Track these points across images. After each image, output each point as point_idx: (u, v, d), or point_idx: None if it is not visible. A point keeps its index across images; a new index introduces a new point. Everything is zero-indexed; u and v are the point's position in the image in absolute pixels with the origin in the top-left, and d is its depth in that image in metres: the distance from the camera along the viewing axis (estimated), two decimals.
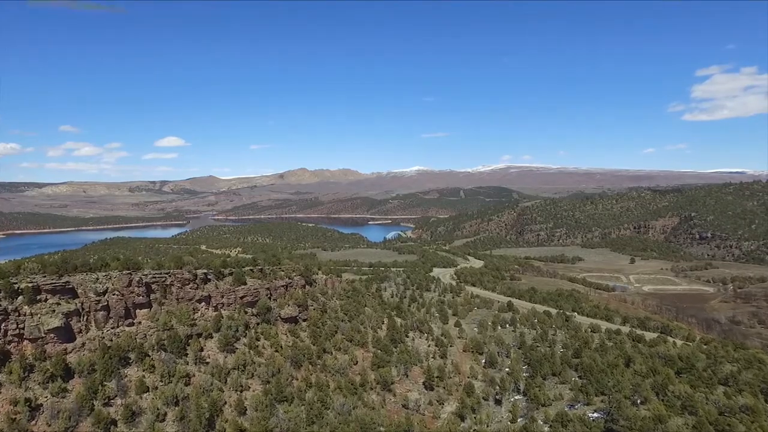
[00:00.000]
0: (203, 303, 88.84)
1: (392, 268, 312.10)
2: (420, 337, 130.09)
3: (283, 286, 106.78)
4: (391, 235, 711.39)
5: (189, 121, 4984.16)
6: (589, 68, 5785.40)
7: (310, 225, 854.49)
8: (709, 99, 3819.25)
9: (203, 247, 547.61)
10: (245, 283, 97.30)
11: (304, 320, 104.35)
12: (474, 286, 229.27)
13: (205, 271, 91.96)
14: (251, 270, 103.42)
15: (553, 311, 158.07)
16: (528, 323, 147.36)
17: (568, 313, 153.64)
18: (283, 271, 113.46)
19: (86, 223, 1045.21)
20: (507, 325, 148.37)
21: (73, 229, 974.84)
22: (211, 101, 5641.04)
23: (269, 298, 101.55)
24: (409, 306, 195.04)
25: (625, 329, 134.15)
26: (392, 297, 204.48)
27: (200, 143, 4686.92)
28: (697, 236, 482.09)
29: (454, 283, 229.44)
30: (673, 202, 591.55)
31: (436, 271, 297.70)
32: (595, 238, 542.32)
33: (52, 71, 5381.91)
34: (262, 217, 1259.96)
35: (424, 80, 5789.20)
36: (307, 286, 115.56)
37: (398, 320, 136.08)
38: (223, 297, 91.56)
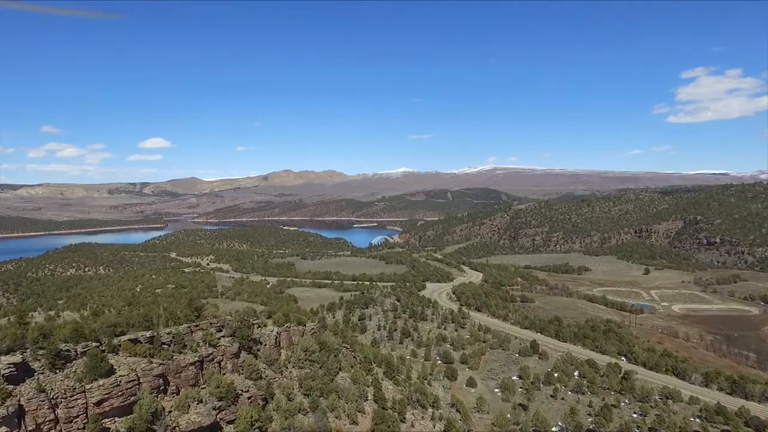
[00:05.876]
0: (4, 429, 44.77)
1: (379, 283, 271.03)
2: (422, 417, 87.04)
3: (194, 363, 62.53)
4: (377, 240, 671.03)
5: (174, 123, 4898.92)
6: (575, 70, 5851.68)
7: (293, 229, 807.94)
8: (693, 101, 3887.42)
9: (173, 255, 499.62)
10: (111, 372, 53.07)
11: (231, 423, 61.00)
12: (479, 311, 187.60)
13: (19, 359, 47.22)
14: (131, 341, 58.67)
15: (599, 359, 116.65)
16: (571, 382, 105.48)
17: (621, 363, 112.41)
18: (202, 329, 69.28)
19: (58, 227, 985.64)
20: (541, 384, 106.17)
21: (43, 233, 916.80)
22: (197, 102, 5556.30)
23: (164, 393, 57.66)
24: (401, 342, 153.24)
25: (725, 400, 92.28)
26: (379, 330, 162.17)
27: (185, 145, 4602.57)
28: (705, 241, 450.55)
29: (454, 307, 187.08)
30: (673, 204, 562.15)
31: (430, 287, 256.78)
32: (594, 243, 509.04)
33: (34, 70, 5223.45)
34: (244, 219, 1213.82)
35: (412, 81, 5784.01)
36: (243, 354, 71.82)
37: (389, 387, 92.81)
38: (55, 408, 47.44)
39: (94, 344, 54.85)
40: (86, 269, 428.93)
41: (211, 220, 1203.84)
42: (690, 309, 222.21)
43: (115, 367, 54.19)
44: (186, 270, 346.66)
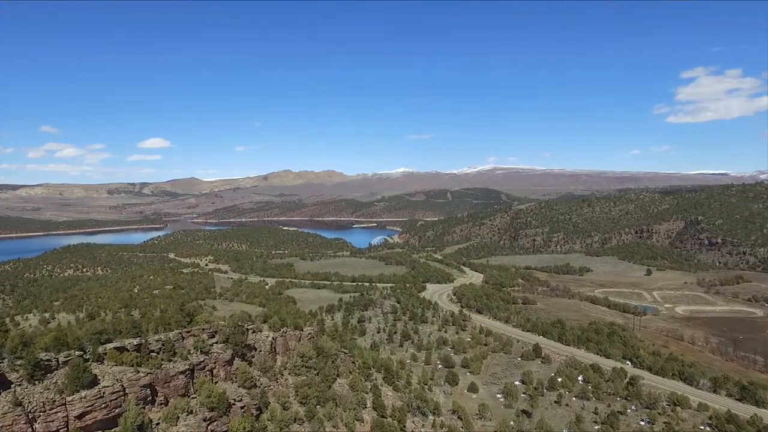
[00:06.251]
0: None
1: (378, 284, 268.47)
2: (423, 425, 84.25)
3: (184, 372, 59.97)
4: (376, 240, 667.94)
5: (174, 123, 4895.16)
6: (575, 70, 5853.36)
7: (292, 229, 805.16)
8: (693, 101, 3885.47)
9: (172, 255, 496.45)
10: (95, 382, 50.49)
11: None
12: (480, 313, 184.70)
13: None
14: (117, 349, 55.96)
15: (604, 363, 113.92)
16: (575, 387, 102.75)
17: (626, 368, 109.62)
18: (193, 336, 66.67)
19: (57, 228, 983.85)
20: (545, 390, 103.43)
21: (42, 233, 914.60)
22: (197, 102, 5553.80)
23: (151, 404, 54.97)
24: (401, 345, 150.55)
25: (735, 407, 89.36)
26: (378, 332, 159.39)
27: (185, 145, 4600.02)
28: (706, 242, 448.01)
29: (455, 309, 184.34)
30: (674, 204, 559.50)
31: (430, 289, 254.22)
32: (595, 243, 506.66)
33: (33, 70, 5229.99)
34: (244, 219, 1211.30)
35: (412, 81, 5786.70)
36: (236, 361, 69.13)
37: (389, 394, 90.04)
38: (33, 422, 44.91)
39: (77, 353, 52.04)
40: (84, 270, 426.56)
41: (211, 221, 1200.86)
42: (693, 311, 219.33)
43: (99, 377, 51.43)
44: (184, 271, 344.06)
